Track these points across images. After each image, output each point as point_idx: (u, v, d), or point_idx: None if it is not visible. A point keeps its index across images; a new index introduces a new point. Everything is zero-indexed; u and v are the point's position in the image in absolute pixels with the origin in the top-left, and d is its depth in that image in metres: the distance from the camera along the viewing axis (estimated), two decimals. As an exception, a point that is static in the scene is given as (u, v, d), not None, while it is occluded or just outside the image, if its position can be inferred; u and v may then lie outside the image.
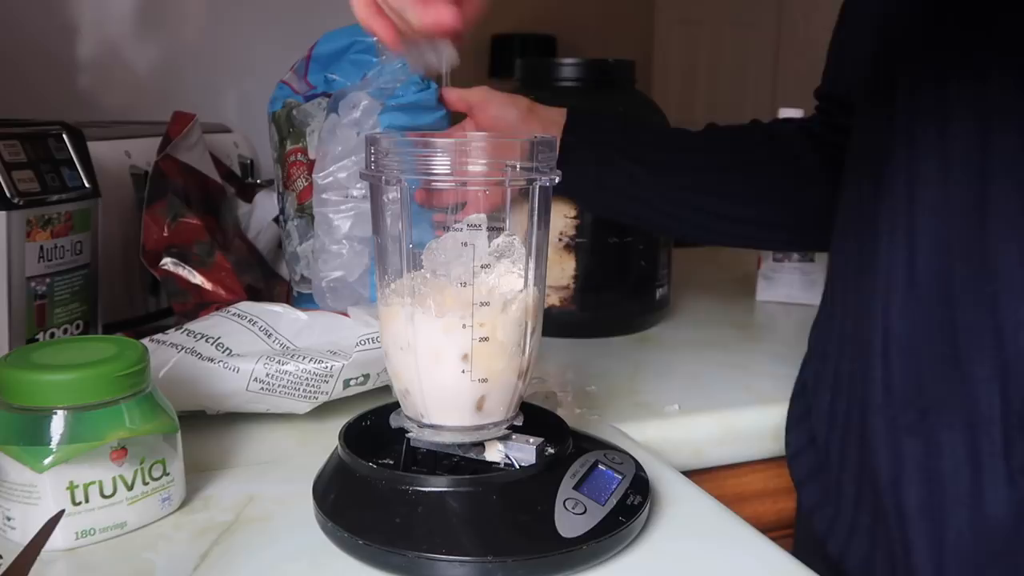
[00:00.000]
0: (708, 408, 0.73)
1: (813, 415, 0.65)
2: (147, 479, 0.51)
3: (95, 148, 0.76)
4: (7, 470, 0.48)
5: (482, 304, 0.48)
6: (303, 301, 0.87)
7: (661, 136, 0.79)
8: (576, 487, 0.50)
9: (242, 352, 0.64)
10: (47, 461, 0.47)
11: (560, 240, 0.90)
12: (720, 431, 0.72)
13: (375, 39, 0.83)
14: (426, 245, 0.49)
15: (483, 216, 0.49)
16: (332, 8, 1.30)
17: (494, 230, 0.50)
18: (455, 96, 0.76)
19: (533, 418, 0.55)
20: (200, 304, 0.81)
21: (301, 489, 0.53)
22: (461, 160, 0.47)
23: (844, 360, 0.61)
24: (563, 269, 0.90)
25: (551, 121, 0.74)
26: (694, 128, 0.81)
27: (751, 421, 0.74)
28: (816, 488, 0.65)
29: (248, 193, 1.00)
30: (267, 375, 0.62)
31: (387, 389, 0.61)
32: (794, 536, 0.74)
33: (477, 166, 0.47)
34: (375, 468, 0.50)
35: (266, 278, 0.91)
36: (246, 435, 0.64)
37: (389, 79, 0.80)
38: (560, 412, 0.58)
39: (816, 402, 0.64)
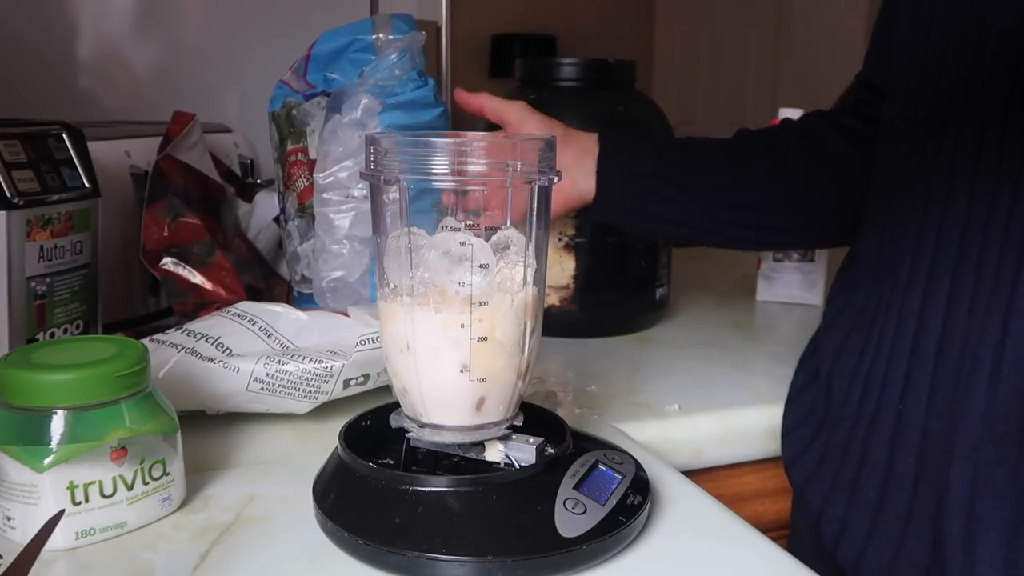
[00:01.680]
0: (708, 408, 0.73)
1: (842, 413, 0.63)
2: (147, 479, 0.51)
3: (95, 148, 0.76)
4: (7, 470, 0.48)
5: (480, 303, 0.48)
6: (303, 301, 0.87)
7: (696, 154, 0.76)
8: (576, 487, 0.50)
9: (242, 352, 0.64)
10: (47, 461, 0.47)
11: (560, 240, 0.90)
12: (720, 431, 0.72)
13: (373, 38, 0.83)
14: (426, 245, 0.49)
15: (482, 215, 0.49)
16: (331, 7, 1.31)
17: (493, 229, 0.50)
18: (494, 106, 0.76)
19: (533, 418, 0.55)
20: (200, 304, 0.81)
21: (301, 489, 0.53)
22: (460, 160, 0.47)
23: (881, 360, 0.59)
24: (563, 269, 0.90)
25: (585, 150, 0.73)
26: (705, 132, 0.80)
27: (751, 421, 0.73)
28: (822, 489, 0.64)
29: (248, 193, 1.00)
30: (267, 375, 0.62)
31: (387, 389, 0.61)
32: (789, 536, 0.73)
33: (477, 166, 0.48)
34: (375, 468, 0.50)
35: (266, 278, 0.91)
36: (246, 435, 0.64)
37: (386, 75, 0.80)
38: (560, 412, 0.58)
39: (846, 400, 0.62)
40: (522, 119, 0.75)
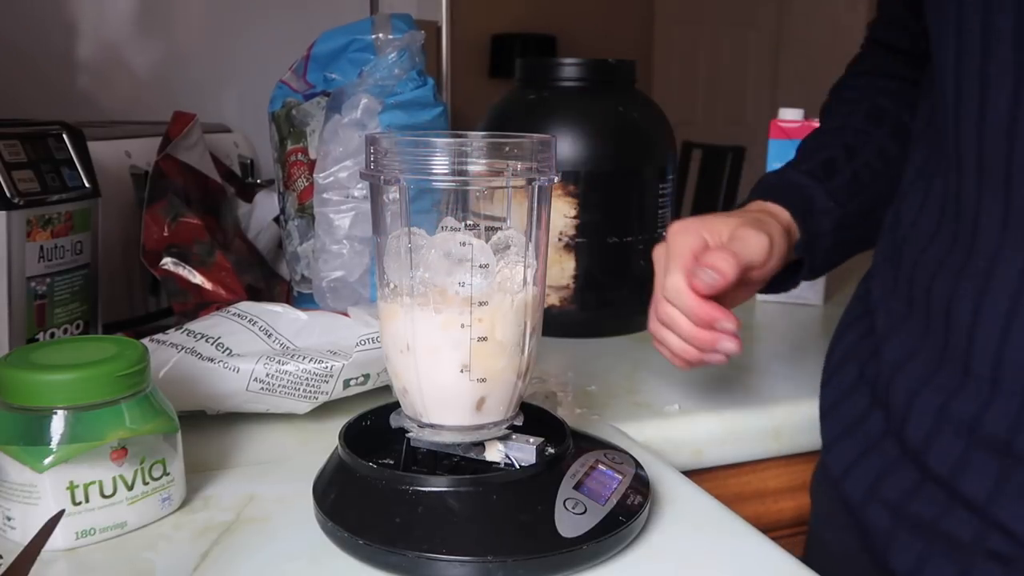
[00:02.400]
0: (708, 408, 0.73)
1: (907, 442, 0.56)
2: (147, 479, 0.51)
3: (95, 148, 0.76)
4: (7, 470, 0.48)
5: (480, 303, 0.48)
6: (303, 301, 0.87)
7: (859, 188, 0.71)
8: (576, 487, 0.50)
9: (242, 352, 0.64)
10: (47, 461, 0.47)
11: (560, 240, 0.90)
12: (720, 431, 0.72)
13: (373, 37, 0.83)
14: (426, 245, 0.49)
15: (481, 215, 0.49)
16: (331, 7, 1.31)
17: (493, 229, 0.50)
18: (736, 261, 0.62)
19: (533, 418, 0.55)
20: (200, 304, 0.81)
21: (301, 489, 0.53)
22: (460, 160, 0.47)
23: (969, 400, 0.52)
24: (563, 269, 0.90)
25: (788, 248, 0.67)
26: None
27: (751, 421, 0.73)
28: (865, 478, 0.58)
29: (248, 193, 1.00)
30: (267, 375, 0.62)
31: (387, 389, 0.61)
32: (809, 532, 0.71)
33: (477, 166, 0.48)
34: (375, 468, 0.50)
35: (266, 278, 0.91)
36: (246, 435, 0.64)
37: (386, 74, 0.80)
38: (560, 412, 0.58)
39: (905, 425, 0.55)
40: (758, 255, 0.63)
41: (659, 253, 0.65)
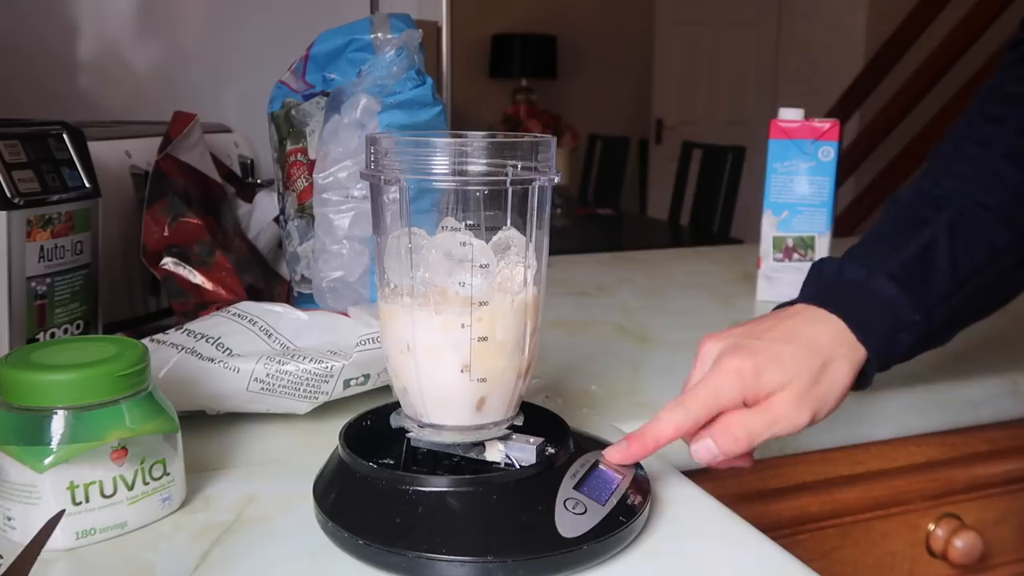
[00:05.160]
0: (708, 408, 0.73)
1: None
2: (147, 479, 0.51)
3: (95, 148, 0.76)
4: (7, 470, 0.48)
5: (481, 304, 0.48)
6: (303, 301, 0.87)
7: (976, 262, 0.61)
8: (576, 487, 0.50)
9: (242, 352, 0.64)
10: (47, 461, 0.47)
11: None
12: (720, 431, 0.72)
13: (372, 37, 0.83)
14: (426, 245, 0.49)
15: (482, 215, 0.49)
16: (331, 8, 1.31)
17: (493, 229, 0.50)
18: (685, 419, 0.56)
19: (533, 418, 0.55)
20: (200, 304, 0.81)
21: (301, 489, 0.53)
22: (460, 160, 0.47)
23: None
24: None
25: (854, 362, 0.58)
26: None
27: (751, 421, 0.73)
28: None
29: (248, 193, 1.00)
30: (267, 375, 0.62)
31: (387, 389, 0.61)
32: None
33: (477, 166, 0.48)
34: (375, 468, 0.50)
35: (266, 278, 0.91)
36: (246, 435, 0.64)
37: (384, 73, 0.80)
38: (560, 412, 0.58)
39: None
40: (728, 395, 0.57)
41: (698, 365, 0.61)
